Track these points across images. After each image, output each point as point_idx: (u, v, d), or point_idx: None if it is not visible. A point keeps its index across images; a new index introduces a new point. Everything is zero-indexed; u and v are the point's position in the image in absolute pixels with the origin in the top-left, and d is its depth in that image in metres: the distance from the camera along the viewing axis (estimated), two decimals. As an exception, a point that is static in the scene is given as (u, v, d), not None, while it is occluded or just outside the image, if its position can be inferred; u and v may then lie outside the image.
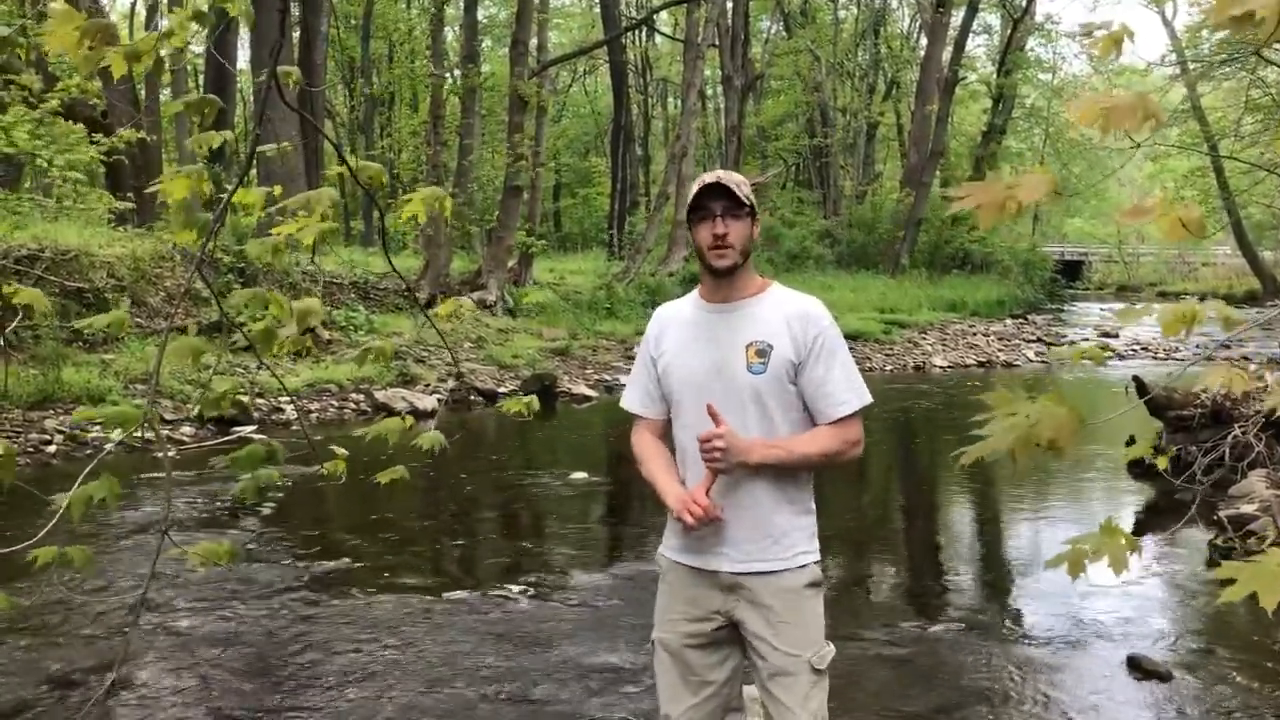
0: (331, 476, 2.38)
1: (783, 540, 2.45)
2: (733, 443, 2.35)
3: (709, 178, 2.45)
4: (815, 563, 2.51)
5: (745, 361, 2.44)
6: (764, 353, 2.43)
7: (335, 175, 2.11)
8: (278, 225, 2.10)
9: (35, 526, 1.84)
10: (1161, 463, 4.78)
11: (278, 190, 2.08)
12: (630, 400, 2.68)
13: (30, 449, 8.71)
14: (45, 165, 12.66)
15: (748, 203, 2.45)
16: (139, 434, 1.94)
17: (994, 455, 1.23)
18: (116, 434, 1.97)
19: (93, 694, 4.03)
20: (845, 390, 2.46)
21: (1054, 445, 1.20)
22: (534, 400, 2.54)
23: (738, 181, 2.45)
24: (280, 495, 7.49)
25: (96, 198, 15.15)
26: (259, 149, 2.19)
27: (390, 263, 2.48)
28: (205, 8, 1.86)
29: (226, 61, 19.20)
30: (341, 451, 2.40)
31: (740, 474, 2.41)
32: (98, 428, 8.89)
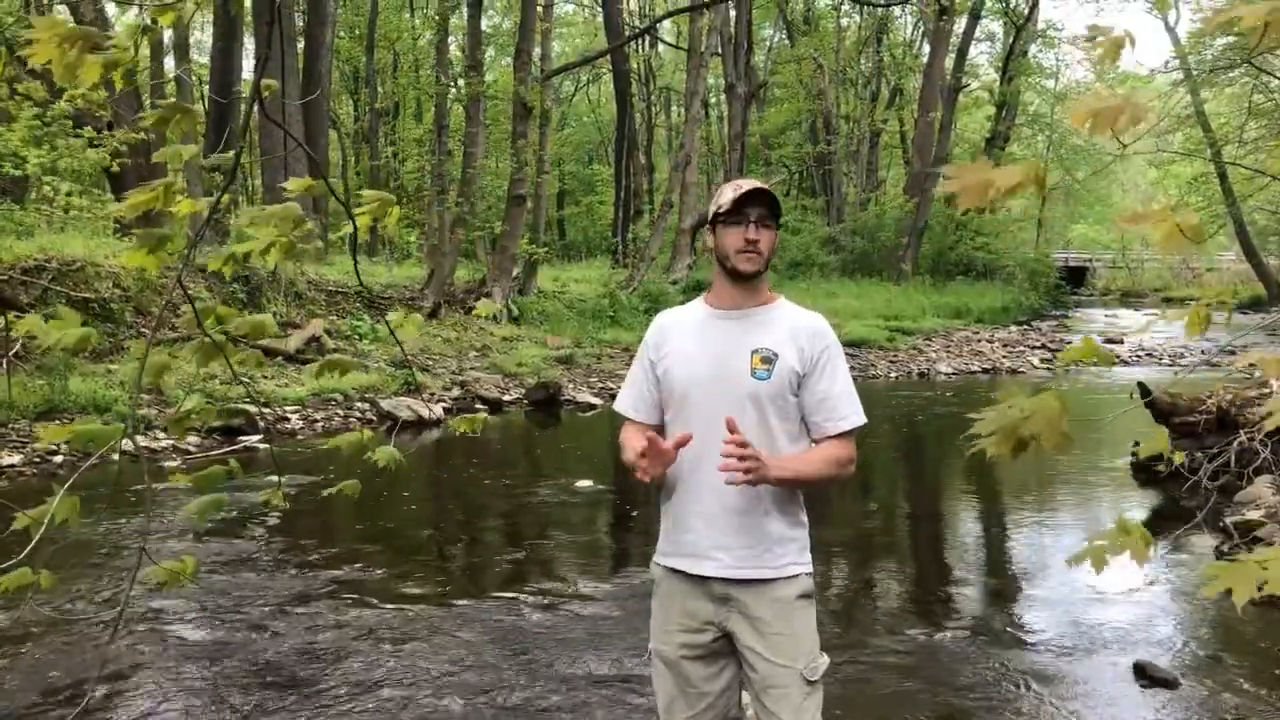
0: (347, 491, 2.39)
1: (775, 549, 2.45)
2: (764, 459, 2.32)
3: (748, 185, 2.47)
4: (807, 574, 2.50)
5: (749, 367, 2.44)
6: (769, 360, 2.44)
7: (300, 188, 2.09)
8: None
9: (21, 540, 1.84)
10: (1178, 456, 4.77)
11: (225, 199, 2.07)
12: (624, 403, 2.67)
13: (36, 459, 8.73)
14: (51, 193, 12.67)
15: (779, 214, 2.51)
16: (121, 445, 1.92)
17: (994, 447, 1.26)
18: (127, 443, 1.95)
19: (76, 706, 4.02)
20: (847, 406, 2.49)
21: (1042, 441, 1.23)
22: (482, 418, 2.52)
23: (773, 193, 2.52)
24: (284, 505, 7.50)
25: (101, 203, 15.17)
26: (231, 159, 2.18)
27: (358, 275, 2.51)
28: (148, 20, 1.84)
29: (230, 72, 19.25)
30: (353, 483, 2.41)
31: (750, 491, 2.41)
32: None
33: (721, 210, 2.47)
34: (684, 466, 2.48)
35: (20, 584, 1.86)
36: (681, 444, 2.37)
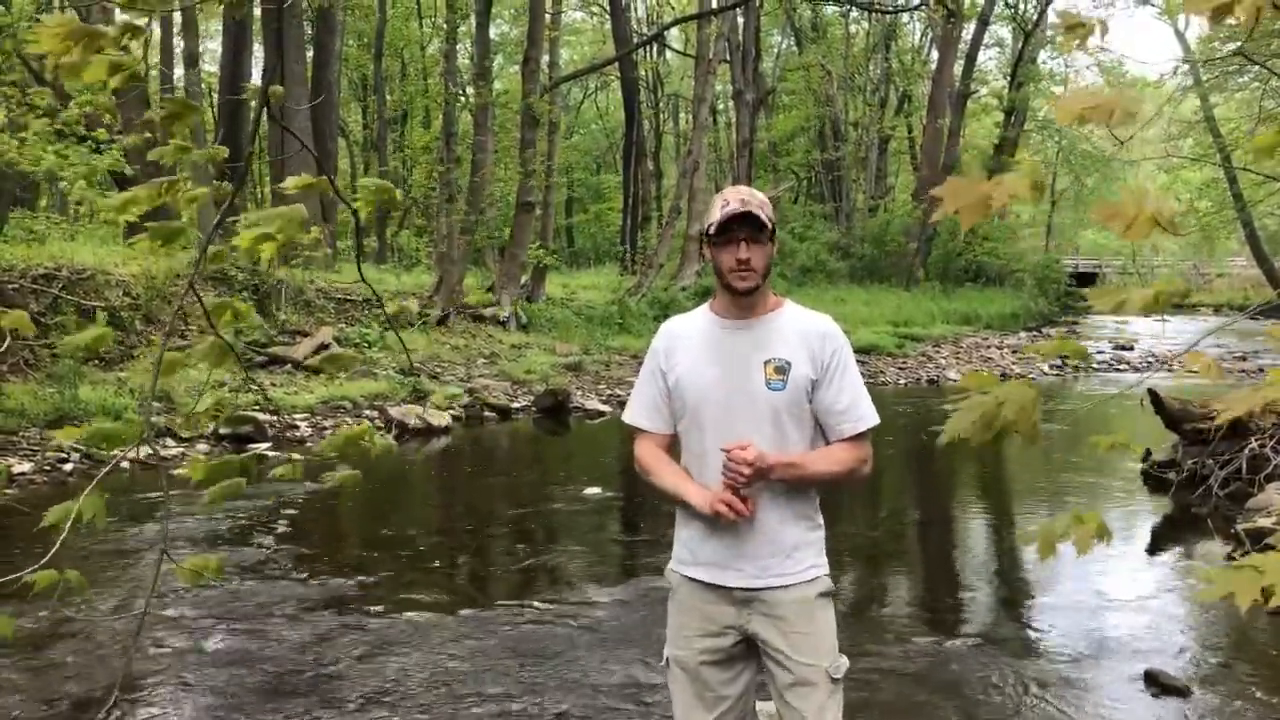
0: (346, 483, 2.38)
1: (794, 555, 2.47)
2: (760, 464, 2.36)
3: (734, 204, 2.44)
4: (826, 574, 2.52)
5: (764, 378, 2.45)
6: (783, 370, 2.44)
7: (300, 185, 2.07)
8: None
9: (36, 546, 1.84)
10: (1137, 449, 4.77)
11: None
12: (635, 415, 2.66)
13: (47, 467, 8.76)
14: (68, 187, 12.68)
15: (770, 225, 2.46)
16: (137, 451, 1.92)
17: (969, 434, 1.27)
18: (144, 449, 1.95)
19: (97, 713, 4.03)
20: (859, 408, 2.49)
21: (1017, 428, 1.23)
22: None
23: (760, 203, 2.46)
24: (294, 512, 7.52)
25: (111, 202, 15.19)
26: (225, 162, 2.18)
27: (362, 276, 2.51)
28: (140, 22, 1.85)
29: (239, 80, 19.33)
30: (353, 473, 2.40)
31: (754, 488, 2.42)
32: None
33: (711, 230, 2.48)
34: (705, 477, 2.50)
35: (48, 585, 1.86)
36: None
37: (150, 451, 1.98)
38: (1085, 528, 1.33)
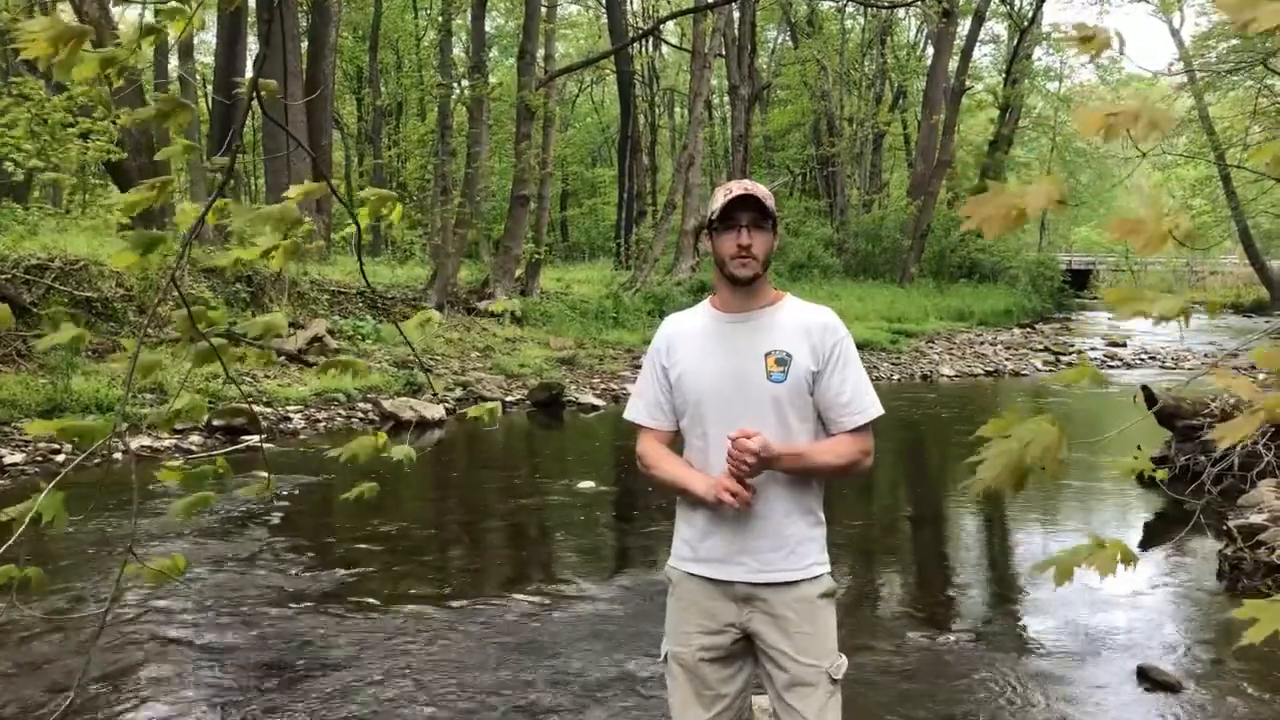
0: (365, 495, 2.38)
1: (798, 550, 2.46)
2: (765, 453, 2.35)
3: (737, 189, 2.44)
4: (828, 573, 2.51)
5: (765, 370, 2.44)
6: (784, 361, 2.44)
7: (301, 194, 2.06)
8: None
9: (23, 542, 1.80)
10: (1161, 475, 4.78)
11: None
12: (636, 412, 2.65)
13: (39, 458, 8.73)
14: (47, 195, 12.59)
15: (772, 214, 2.47)
16: (108, 449, 1.90)
17: (1000, 484, 1.26)
18: (144, 441, 1.94)
19: (62, 707, 4.01)
20: (862, 400, 2.48)
21: (1043, 466, 1.22)
22: (497, 407, 2.52)
23: (764, 193, 2.46)
24: (288, 505, 7.50)
25: (104, 199, 15.14)
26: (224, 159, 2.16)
27: (363, 275, 2.50)
28: (153, 20, 1.83)
29: (234, 72, 19.27)
30: (371, 485, 2.41)
31: (757, 481, 2.41)
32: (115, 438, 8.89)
33: (714, 216, 2.47)
34: (708, 472, 2.49)
35: (4, 580, 1.82)
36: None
37: (124, 449, 1.97)
38: (1107, 553, 1.31)
